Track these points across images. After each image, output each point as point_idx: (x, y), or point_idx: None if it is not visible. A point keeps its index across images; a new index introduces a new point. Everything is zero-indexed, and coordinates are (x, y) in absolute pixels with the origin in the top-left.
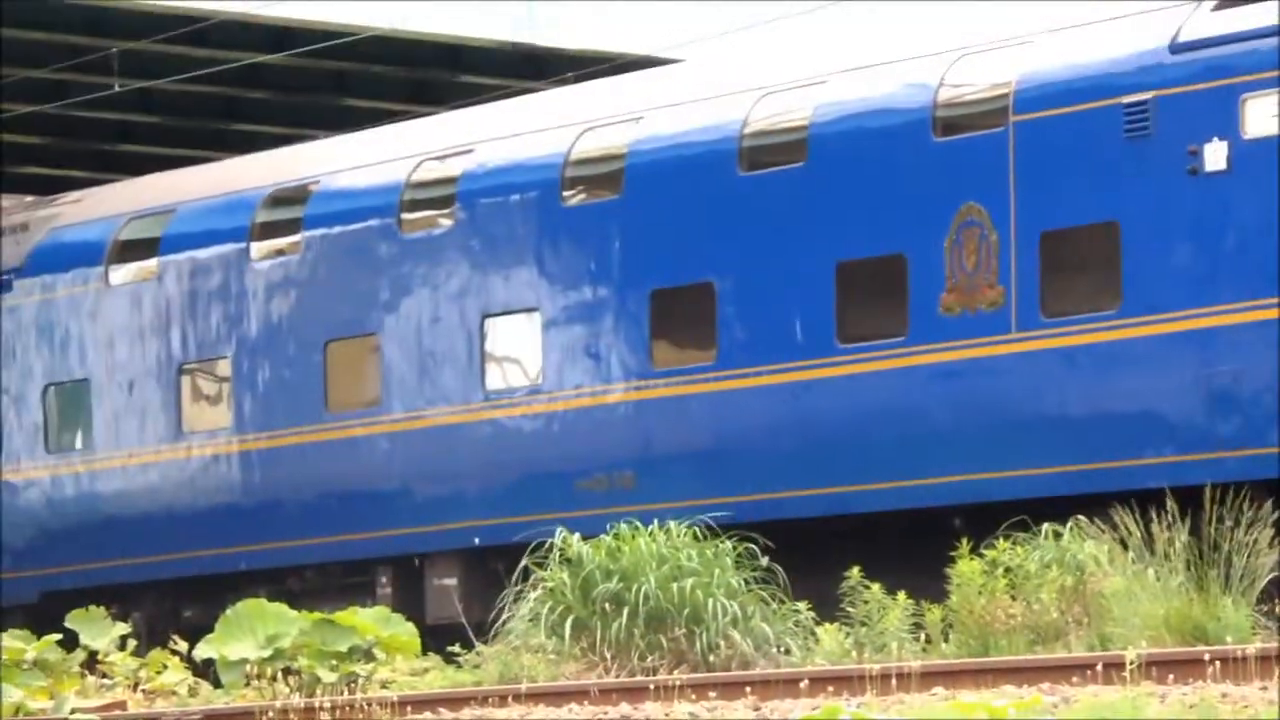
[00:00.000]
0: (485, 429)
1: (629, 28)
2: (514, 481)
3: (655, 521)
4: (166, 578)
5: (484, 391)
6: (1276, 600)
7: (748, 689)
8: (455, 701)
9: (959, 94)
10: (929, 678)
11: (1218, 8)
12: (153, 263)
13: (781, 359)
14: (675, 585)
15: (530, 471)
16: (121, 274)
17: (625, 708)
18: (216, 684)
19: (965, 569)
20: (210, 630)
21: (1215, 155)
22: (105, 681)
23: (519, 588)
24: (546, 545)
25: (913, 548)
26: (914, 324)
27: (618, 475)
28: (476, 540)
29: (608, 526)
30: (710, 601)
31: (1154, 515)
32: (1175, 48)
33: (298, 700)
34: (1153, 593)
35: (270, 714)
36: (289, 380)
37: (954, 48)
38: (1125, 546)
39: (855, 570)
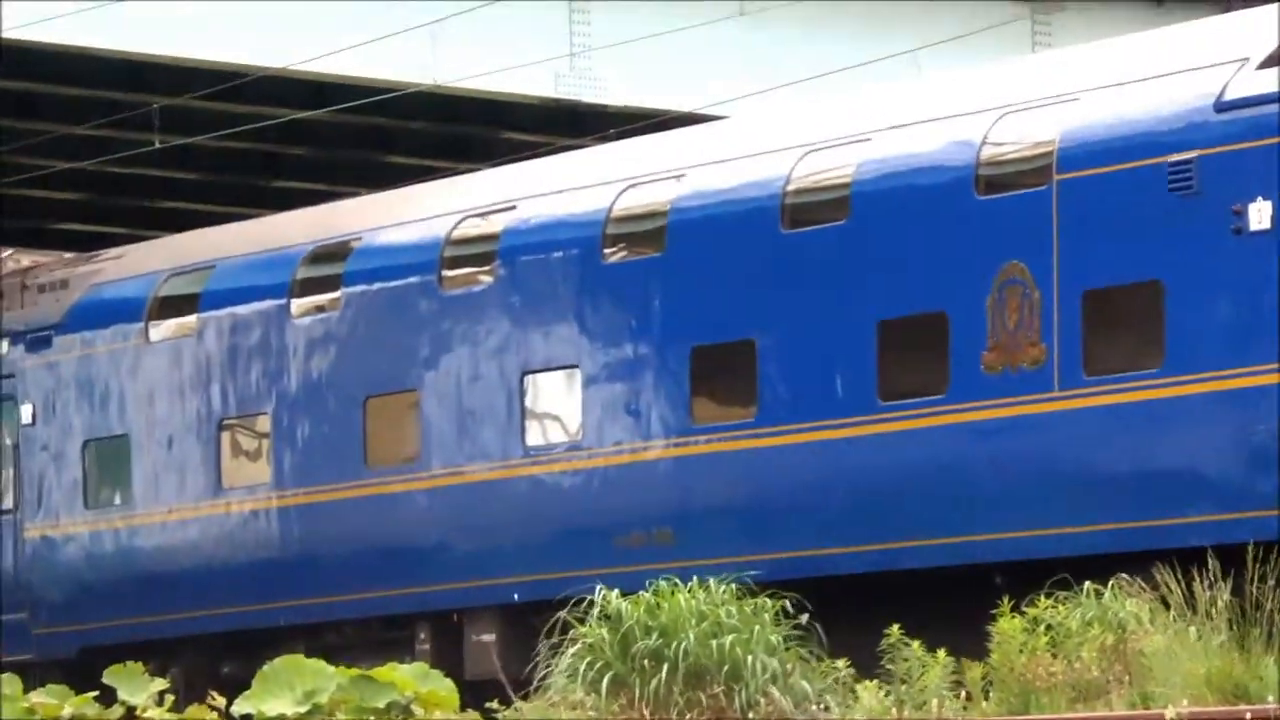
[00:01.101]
0: (524, 485)
1: (671, 85)
2: (553, 538)
3: (695, 578)
4: (205, 633)
5: (524, 448)
6: None
7: None
8: None
9: (1002, 152)
10: None
11: (1263, 66)
12: (193, 319)
13: (822, 416)
14: (714, 642)
15: (569, 528)
16: (161, 330)
17: None
18: None
19: (1006, 626)
20: (248, 686)
21: (1259, 215)
22: None
23: (557, 641)
24: (586, 601)
25: (953, 605)
26: (955, 382)
27: (657, 532)
28: (515, 596)
29: (647, 583)
30: (750, 658)
31: (1196, 574)
32: (1220, 106)
33: None
34: (1194, 651)
35: None
36: (328, 436)
37: (997, 105)
38: (1167, 605)
39: (895, 628)
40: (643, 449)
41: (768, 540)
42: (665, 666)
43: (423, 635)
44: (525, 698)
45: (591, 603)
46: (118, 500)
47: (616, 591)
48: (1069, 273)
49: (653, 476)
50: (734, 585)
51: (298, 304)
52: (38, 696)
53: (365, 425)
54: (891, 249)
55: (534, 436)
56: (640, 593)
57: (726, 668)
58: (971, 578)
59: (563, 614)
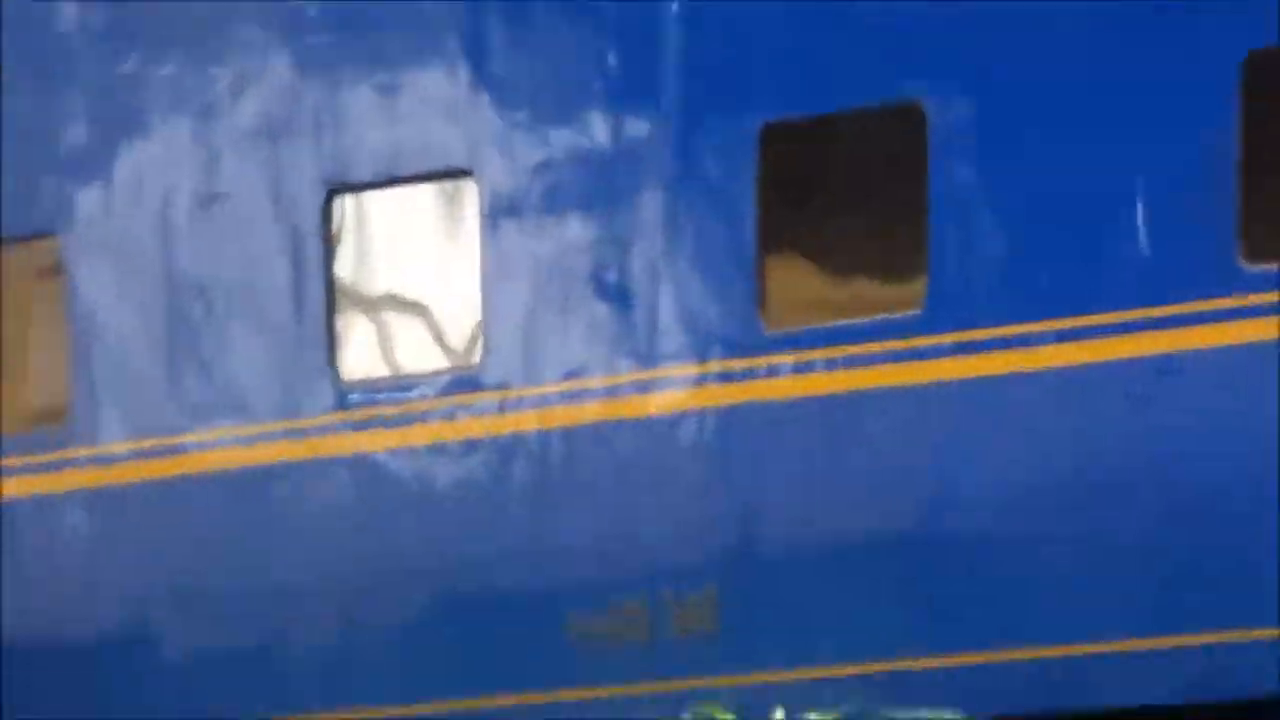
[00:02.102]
0: (339, 480)
1: None
2: (415, 617)
3: (778, 713)
4: None
5: (335, 387)
6: None
7: None
8: None
9: None
10: None
11: None
12: None
13: (1094, 304)
14: None
15: (456, 592)
16: None
17: None
18: None
19: None
20: None
21: None
22: None
23: None
24: None
25: None
26: None
27: (676, 599)
28: None
29: None
30: None
31: None
32: None
33: None
34: None
35: None
36: None
37: None
38: None
39: None
40: (640, 389)
41: (956, 617)
42: None
43: None
44: None
45: None
46: None
47: None
48: None
49: (665, 460)
50: None
51: None
52: None
53: None
54: None
55: (359, 359)
56: None
57: None
58: None
59: None
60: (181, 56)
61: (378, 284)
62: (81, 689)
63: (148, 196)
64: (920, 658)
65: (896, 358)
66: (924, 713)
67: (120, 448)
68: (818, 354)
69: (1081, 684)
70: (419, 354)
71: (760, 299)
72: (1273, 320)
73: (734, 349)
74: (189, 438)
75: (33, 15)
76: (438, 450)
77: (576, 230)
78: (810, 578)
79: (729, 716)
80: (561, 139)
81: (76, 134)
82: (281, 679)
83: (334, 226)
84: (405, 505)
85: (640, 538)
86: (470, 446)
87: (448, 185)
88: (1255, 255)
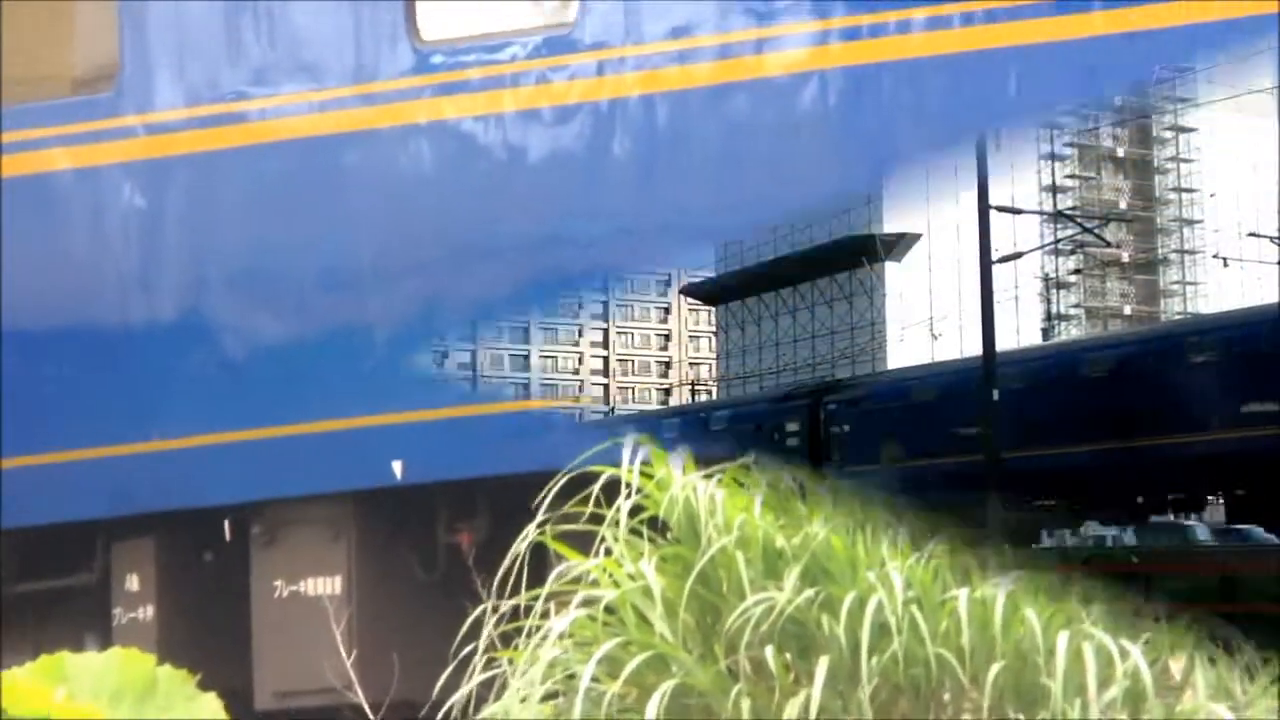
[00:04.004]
0: (419, 151)
1: None
2: (506, 299)
3: None
4: None
5: (415, 47)
6: None
7: None
8: None
9: None
10: None
11: None
12: None
13: None
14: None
15: (550, 272)
16: None
17: None
18: None
19: None
20: None
21: None
22: None
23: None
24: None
25: None
26: None
27: None
28: (398, 468)
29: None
30: (1088, 644)
31: None
32: None
33: None
34: None
35: None
36: None
37: None
38: None
39: None
40: (755, 50)
41: None
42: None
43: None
44: None
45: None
46: None
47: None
48: None
49: (787, 130)
50: None
51: None
52: None
53: None
54: None
55: (441, 15)
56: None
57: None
58: None
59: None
60: None
61: None
62: (127, 378)
63: None
64: None
65: None
66: None
67: (175, 115)
68: (948, 9)
69: None
70: (508, 10)
71: None
72: None
73: (856, 4)
74: (251, 104)
75: None
76: (529, 117)
77: None
78: None
79: None
80: None
81: None
82: (355, 373)
83: None
84: (493, 178)
85: (758, 213)
86: (565, 113)
87: None
88: None
